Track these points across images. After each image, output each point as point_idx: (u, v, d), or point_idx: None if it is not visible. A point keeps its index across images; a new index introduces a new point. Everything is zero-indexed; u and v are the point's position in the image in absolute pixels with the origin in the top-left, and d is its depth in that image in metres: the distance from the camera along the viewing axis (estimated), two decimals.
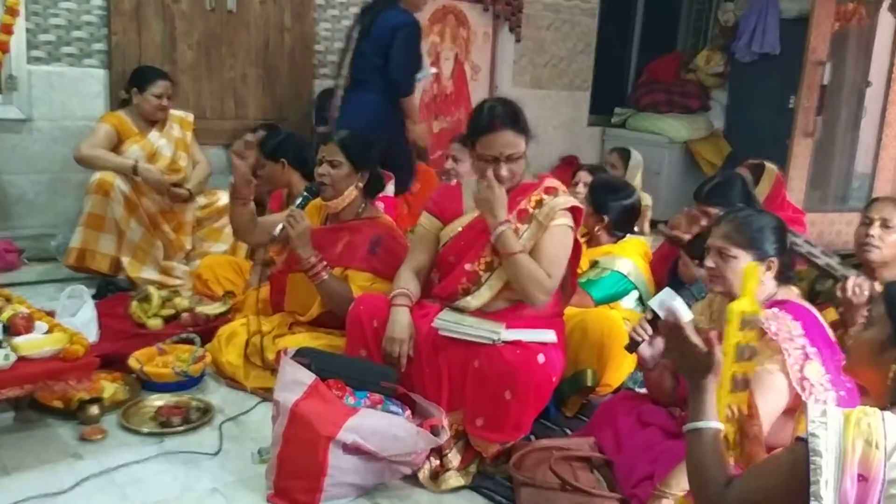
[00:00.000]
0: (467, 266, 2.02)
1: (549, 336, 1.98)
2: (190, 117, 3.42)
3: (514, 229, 2.00)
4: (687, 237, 2.59)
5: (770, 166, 3.22)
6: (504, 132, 1.98)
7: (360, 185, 2.37)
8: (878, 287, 1.95)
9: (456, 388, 1.98)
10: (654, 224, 3.77)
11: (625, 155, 3.74)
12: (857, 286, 1.96)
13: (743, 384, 1.41)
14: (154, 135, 3.27)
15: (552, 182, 2.10)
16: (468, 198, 2.12)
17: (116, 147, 3.17)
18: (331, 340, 2.27)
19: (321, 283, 2.24)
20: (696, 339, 1.27)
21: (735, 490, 1.13)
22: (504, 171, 1.99)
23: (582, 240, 2.52)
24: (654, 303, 1.79)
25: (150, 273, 3.11)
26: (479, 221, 2.05)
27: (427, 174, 3.88)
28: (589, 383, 2.24)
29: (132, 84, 3.23)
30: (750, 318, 1.31)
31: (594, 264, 2.59)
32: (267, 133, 3.21)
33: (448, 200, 2.14)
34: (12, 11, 3.08)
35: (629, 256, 2.62)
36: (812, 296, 2.24)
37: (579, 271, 2.50)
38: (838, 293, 1.98)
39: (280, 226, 2.23)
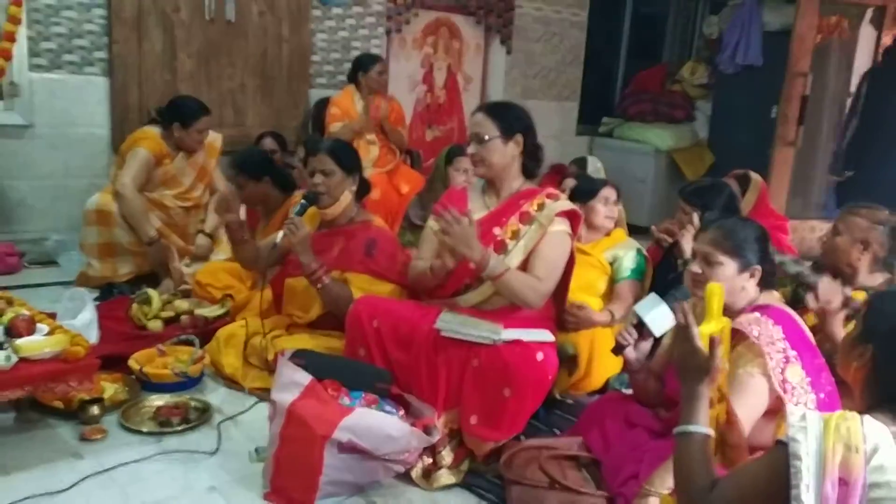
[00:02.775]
0: (471, 265, 2.06)
1: (546, 336, 2.04)
2: (218, 141, 3.37)
3: (500, 240, 2.08)
4: (671, 240, 2.67)
5: (755, 177, 3.28)
6: (477, 114, 2.14)
7: (353, 188, 2.44)
8: (848, 291, 1.98)
9: (453, 388, 2.02)
10: (633, 230, 3.85)
11: (581, 163, 3.85)
12: (828, 292, 1.97)
13: (719, 397, 1.43)
14: (180, 161, 3.23)
15: (554, 190, 2.19)
16: (473, 200, 2.20)
17: (151, 172, 3.13)
18: (328, 342, 2.31)
19: (323, 288, 2.28)
20: (698, 343, 1.29)
21: (717, 493, 1.14)
22: (470, 148, 2.11)
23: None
24: (639, 308, 1.82)
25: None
26: (483, 222, 2.12)
27: (418, 181, 3.94)
28: (571, 353, 2.29)
29: (174, 118, 3.14)
30: (717, 337, 1.32)
31: (613, 260, 2.71)
32: (243, 155, 3.21)
33: (455, 203, 2.20)
34: (14, 19, 3.11)
35: (625, 239, 2.79)
36: (794, 301, 2.28)
37: (599, 264, 2.64)
38: (810, 303, 1.98)
39: (280, 234, 2.28)
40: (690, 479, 1.21)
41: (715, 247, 1.72)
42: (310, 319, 2.43)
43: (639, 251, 2.76)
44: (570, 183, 3.20)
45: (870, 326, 1.18)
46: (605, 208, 2.81)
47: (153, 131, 3.19)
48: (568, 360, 2.32)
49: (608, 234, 2.84)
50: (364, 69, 3.91)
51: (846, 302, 1.95)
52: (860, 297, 2.01)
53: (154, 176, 3.19)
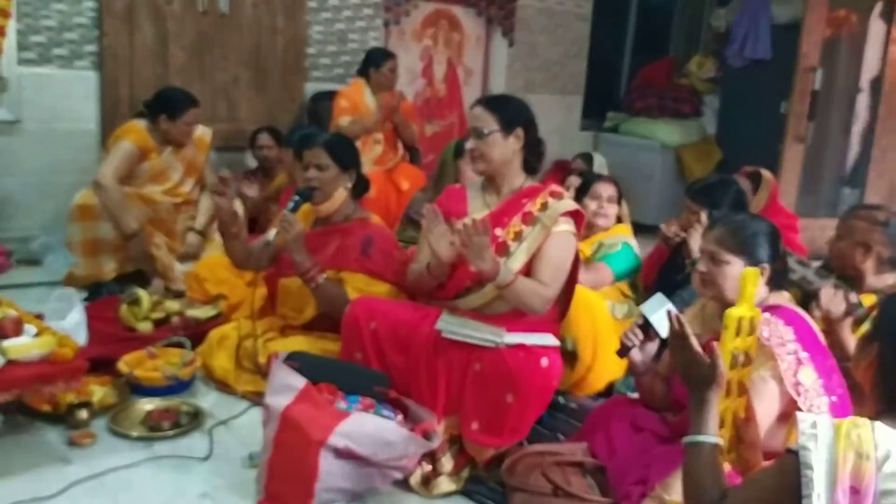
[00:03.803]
0: (472, 267, 2.00)
1: (550, 340, 2.00)
2: (208, 135, 3.32)
3: (502, 242, 2.02)
4: (679, 239, 2.63)
5: (767, 175, 3.27)
6: (476, 107, 2.09)
7: (349, 185, 2.39)
8: (854, 297, 1.93)
9: (453, 392, 1.98)
10: (639, 228, 3.82)
11: (588, 159, 3.93)
12: (831, 299, 1.92)
13: (739, 390, 1.42)
14: (168, 155, 3.18)
15: (558, 188, 2.13)
16: (473, 198, 2.15)
17: (134, 166, 3.09)
18: (323, 344, 2.27)
19: (317, 287, 2.24)
20: (698, 349, 1.28)
21: None
22: (469, 143, 2.07)
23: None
24: (645, 308, 1.80)
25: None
26: (483, 222, 2.05)
27: (418, 177, 3.89)
28: (569, 348, 2.26)
29: (161, 109, 3.10)
30: (748, 323, 1.32)
31: (599, 246, 2.68)
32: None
33: (454, 202, 2.17)
34: (3, 13, 3.06)
35: (626, 234, 2.75)
36: (805, 301, 2.24)
37: (583, 257, 2.59)
38: (814, 311, 1.93)
39: (274, 231, 2.23)
40: (700, 489, 1.19)
41: (721, 245, 1.70)
42: (304, 320, 2.39)
43: (626, 245, 2.69)
44: (574, 181, 3.16)
45: (877, 326, 1.19)
46: (594, 204, 2.74)
47: (139, 125, 3.15)
48: (567, 355, 2.27)
49: (605, 231, 2.78)
50: (376, 65, 3.84)
51: (849, 310, 1.90)
52: (870, 301, 1.97)
53: (141, 171, 3.14)
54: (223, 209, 2.28)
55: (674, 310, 1.73)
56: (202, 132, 3.30)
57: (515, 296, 1.97)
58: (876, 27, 5.03)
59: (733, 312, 1.37)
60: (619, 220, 2.87)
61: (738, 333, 1.42)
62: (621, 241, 2.68)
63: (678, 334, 1.30)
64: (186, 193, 3.26)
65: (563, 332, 2.23)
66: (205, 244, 3.27)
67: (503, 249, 2.03)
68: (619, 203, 2.81)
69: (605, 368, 2.39)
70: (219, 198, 2.28)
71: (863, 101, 5.09)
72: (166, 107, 3.10)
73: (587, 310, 2.31)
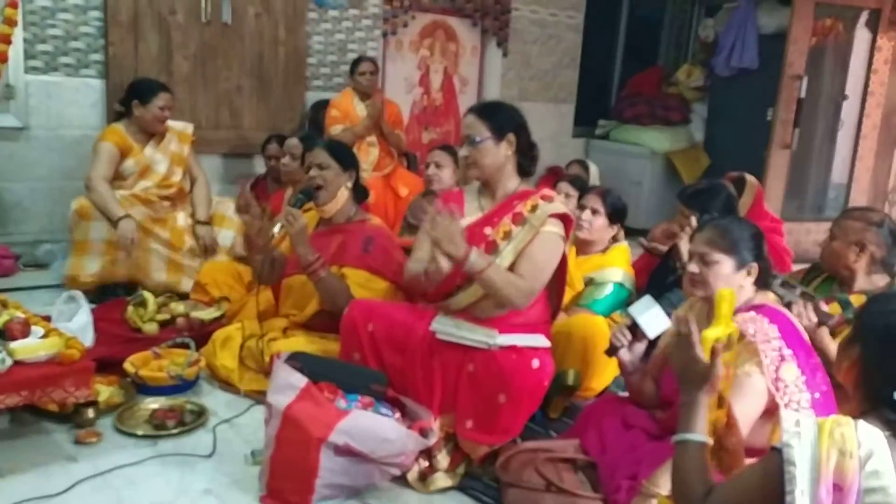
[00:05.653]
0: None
1: (541, 341, 2.02)
2: (189, 129, 3.37)
3: (491, 241, 2.05)
4: (664, 249, 2.67)
5: (751, 179, 3.30)
6: (468, 115, 2.11)
7: (349, 185, 2.44)
8: (824, 307, 1.94)
9: (448, 391, 2.01)
10: (629, 232, 3.86)
11: (585, 166, 4.01)
12: (801, 313, 1.91)
13: (719, 402, 1.42)
14: (150, 149, 3.23)
15: (549, 192, 2.15)
16: (469, 202, 2.17)
17: (118, 164, 3.14)
18: (324, 345, 2.31)
19: (319, 281, 2.27)
20: (699, 351, 1.29)
21: (713, 501, 1.15)
22: (463, 151, 2.09)
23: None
24: (633, 310, 1.83)
25: (159, 275, 3.13)
26: (476, 224, 2.09)
27: (416, 183, 3.94)
28: (570, 383, 2.26)
29: (133, 96, 3.17)
30: (725, 341, 1.32)
31: (589, 281, 2.63)
32: (306, 135, 3.30)
33: (450, 205, 2.17)
34: (10, 22, 3.11)
35: (618, 265, 2.67)
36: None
37: (571, 291, 2.52)
38: None
39: (278, 225, 2.27)
40: (687, 487, 1.22)
41: (711, 246, 1.73)
42: (305, 317, 2.43)
43: (617, 286, 2.59)
44: (564, 187, 3.20)
45: (859, 327, 1.20)
46: (577, 212, 2.67)
47: (116, 126, 3.22)
48: (567, 390, 2.28)
49: (604, 250, 2.71)
50: (351, 71, 3.92)
51: (821, 320, 1.92)
52: (860, 301, 2.01)
53: (127, 169, 3.18)
54: (250, 226, 2.34)
55: (661, 312, 1.79)
56: (182, 126, 3.35)
57: (491, 284, 1.94)
58: (861, 35, 5.11)
59: (709, 335, 1.32)
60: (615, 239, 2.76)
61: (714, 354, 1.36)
62: (613, 283, 2.58)
63: (685, 335, 1.32)
64: (178, 184, 3.29)
65: (564, 365, 2.23)
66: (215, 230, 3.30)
67: (492, 248, 2.05)
68: (610, 219, 2.68)
69: (601, 384, 2.41)
70: (246, 216, 2.33)
71: (848, 108, 5.17)
72: (137, 93, 3.16)
73: (593, 340, 2.27)
